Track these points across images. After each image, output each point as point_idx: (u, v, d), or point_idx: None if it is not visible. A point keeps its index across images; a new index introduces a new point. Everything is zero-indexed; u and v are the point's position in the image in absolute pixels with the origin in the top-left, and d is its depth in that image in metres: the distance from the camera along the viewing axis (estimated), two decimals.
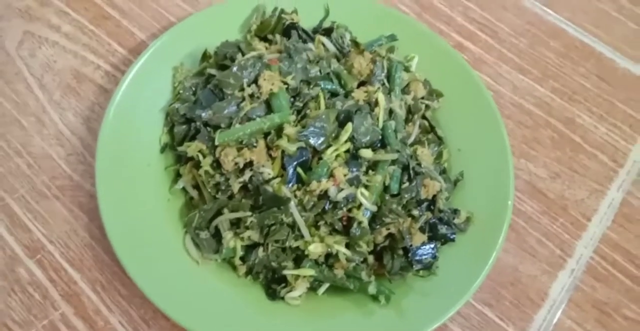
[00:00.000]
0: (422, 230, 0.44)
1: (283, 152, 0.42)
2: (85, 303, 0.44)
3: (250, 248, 0.43)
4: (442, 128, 0.51)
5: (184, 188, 0.46)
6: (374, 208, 0.43)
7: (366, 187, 0.43)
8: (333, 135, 0.43)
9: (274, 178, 0.42)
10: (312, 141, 0.42)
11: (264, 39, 0.50)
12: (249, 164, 0.42)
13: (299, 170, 0.42)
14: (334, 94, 0.46)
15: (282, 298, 0.42)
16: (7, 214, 0.47)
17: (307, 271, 0.42)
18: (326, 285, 0.43)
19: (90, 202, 0.47)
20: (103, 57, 0.54)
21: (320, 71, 0.46)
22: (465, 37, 0.60)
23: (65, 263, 0.46)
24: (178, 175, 0.46)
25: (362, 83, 0.48)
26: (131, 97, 0.46)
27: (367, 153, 0.43)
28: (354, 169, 0.43)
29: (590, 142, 0.56)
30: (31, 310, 0.44)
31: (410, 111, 0.49)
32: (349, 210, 0.42)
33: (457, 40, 0.59)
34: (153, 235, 0.43)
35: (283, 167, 0.42)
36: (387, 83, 0.48)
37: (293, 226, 0.42)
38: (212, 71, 0.46)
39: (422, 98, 0.50)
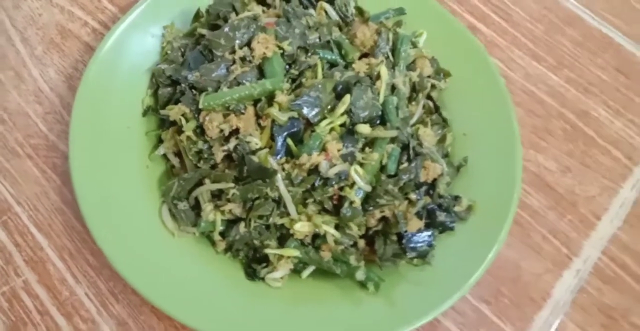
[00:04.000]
0: (419, 215, 0.42)
1: (273, 121, 0.41)
2: (51, 271, 0.43)
3: (232, 223, 0.41)
4: (448, 110, 0.49)
5: (164, 155, 0.44)
6: (368, 188, 0.41)
7: (361, 164, 0.41)
8: (329, 106, 0.42)
9: (261, 148, 0.41)
10: (305, 111, 0.41)
11: (262, 2, 0.48)
12: (235, 132, 0.41)
13: (289, 141, 0.41)
14: (333, 65, 0.45)
15: (262, 279, 0.41)
16: None
17: (292, 251, 0.40)
18: (311, 268, 0.41)
19: (65, 163, 0.45)
20: (91, 14, 0.53)
21: (319, 38, 0.45)
22: (478, 19, 0.59)
23: (33, 227, 0.44)
24: (160, 142, 0.44)
25: (364, 55, 0.47)
26: (115, 55, 0.45)
27: (364, 128, 0.42)
28: (349, 145, 0.41)
29: (604, 137, 0.54)
30: None
31: (414, 89, 0.48)
32: (341, 188, 0.41)
33: (469, 21, 0.58)
34: (127, 203, 0.41)
35: (272, 138, 0.41)
36: (391, 57, 0.47)
37: (279, 202, 0.40)
38: (203, 31, 0.45)
39: (429, 76, 0.49)
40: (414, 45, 0.49)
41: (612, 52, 0.59)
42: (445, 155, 0.47)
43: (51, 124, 0.48)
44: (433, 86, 0.49)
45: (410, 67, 0.48)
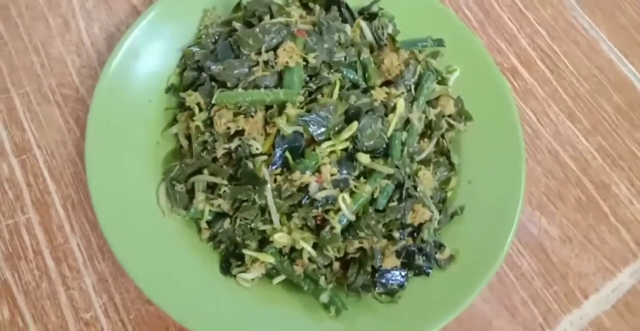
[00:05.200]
0: (398, 254, 0.43)
1: (278, 131, 0.42)
2: (52, 216, 0.47)
3: (219, 216, 0.43)
4: (461, 153, 0.49)
5: (176, 135, 0.46)
6: (352, 218, 0.42)
7: (352, 193, 0.42)
8: (336, 128, 0.43)
9: (261, 154, 0.42)
10: (311, 129, 0.41)
11: (305, 5, 0.49)
12: (240, 133, 0.42)
13: (288, 154, 0.42)
14: (353, 86, 0.45)
15: (234, 276, 0.43)
16: (8, 107, 0.50)
17: (267, 257, 0.42)
18: (282, 277, 0.43)
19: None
20: None
21: (346, 58, 0.45)
22: (523, 63, 0.57)
23: (46, 172, 0.48)
24: (175, 121, 0.46)
25: (387, 83, 0.46)
26: (153, 29, 0.47)
27: (364, 158, 0.42)
28: (345, 171, 0.42)
29: (618, 216, 0.53)
30: (0, 206, 0.46)
31: (430, 126, 0.47)
32: (326, 211, 0.42)
33: (513, 63, 0.57)
34: (130, 172, 0.44)
35: (273, 147, 0.42)
36: (413, 91, 0.46)
37: (264, 209, 0.42)
38: (237, 25, 0.46)
39: (450, 116, 0.48)
40: (443, 82, 0.49)
41: None
42: (443, 200, 0.47)
43: (84, 78, 0.51)
44: (451, 126, 0.48)
45: (432, 103, 0.48)
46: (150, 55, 0.47)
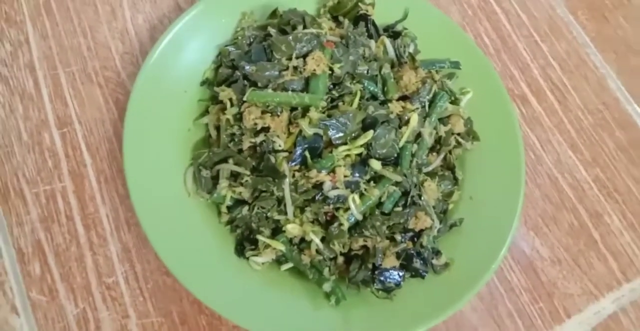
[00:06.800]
0: (397, 255, 0.48)
1: (300, 131, 0.47)
2: (86, 187, 0.52)
3: (239, 202, 0.48)
4: (465, 171, 0.54)
5: (206, 125, 0.51)
6: (360, 217, 0.47)
7: (361, 195, 0.47)
8: (353, 135, 0.48)
9: (282, 151, 0.47)
10: (330, 132, 0.47)
11: (335, 18, 0.55)
12: (266, 129, 0.47)
13: (307, 153, 0.47)
14: (372, 97, 0.51)
15: (247, 259, 0.47)
16: (54, 83, 0.55)
17: (278, 244, 0.47)
18: (290, 265, 0.48)
19: (126, 101, 0.52)
20: None
21: (368, 71, 0.50)
22: (533, 92, 0.62)
23: (84, 146, 0.53)
24: (206, 112, 0.52)
25: (403, 98, 0.52)
26: (194, 26, 0.52)
27: (376, 164, 0.47)
28: (357, 174, 0.47)
29: (607, 245, 0.57)
30: (40, 173, 0.52)
31: (439, 142, 0.52)
32: (336, 209, 0.46)
33: (523, 90, 0.62)
34: (162, 154, 0.49)
35: (294, 145, 0.47)
36: (427, 107, 0.52)
37: (280, 201, 0.47)
38: (272, 31, 0.52)
39: (459, 134, 0.54)
40: (455, 101, 0.54)
41: None
42: (444, 211, 0.52)
43: (126, 64, 0.56)
44: (459, 143, 0.53)
45: (444, 120, 0.53)
46: (190, 50, 0.52)
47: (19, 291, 0.48)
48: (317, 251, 0.47)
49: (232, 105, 0.49)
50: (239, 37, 0.53)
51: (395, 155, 0.48)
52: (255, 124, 0.47)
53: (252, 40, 0.53)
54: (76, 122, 0.54)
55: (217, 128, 0.51)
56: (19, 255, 0.49)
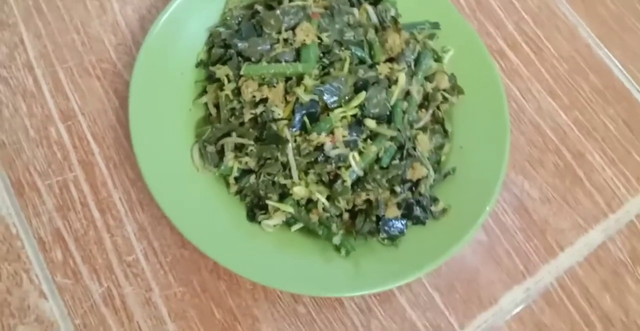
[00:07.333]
0: (398, 206, 0.52)
1: (297, 99, 0.51)
2: (96, 174, 0.55)
3: (245, 172, 0.52)
4: (452, 123, 0.58)
5: (205, 104, 0.55)
6: (361, 173, 0.51)
7: (360, 152, 0.51)
8: (346, 97, 0.51)
9: (281, 119, 0.51)
10: (325, 97, 0.50)
11: None
12: (264, 100, 0.51)
13: (306, 119, 0.50)
14: (361, 61, 0.54)
15: (259, 223, 0.51)
16: (54, 80, 0.58)
17: (287, 207, 0.50)
18: (299, 225, 0.52)
19: (125, 90, 0.56)
20: None
21: (354, 37, 0.54)
22: (510, 46, 0.66)
23: (89, 136, 0.56)
24: (204, 92, 0.55)
25: (390, 60, 0.55)
26: (184, 11, 0.55)
27: (370, 123, 0.51)
28: (354, 134, 0.51)
29: (592, 181, 0.62)
30: (51, 165, 0.55)
31: (427, 98, 0.56)
32: (338, 168, 0.50)
33: (500, 45, 0.66)
34: (168, 135, 0.52)
35: (292, 112, 0.51)
36: (413, 67, 0.55)
37: (285, 165, 0.50)
38: (259, 8, 0.55)
39: (444, 90, 0.57)
40: (439, 59, 0.58)
41: (626, 105, 0.66)
42: (438, 162, 0.56)
43: (120, 54, 0.59)
44: (445, 99, 0.57)
45: (429, 78, 0.57)
46: (181, 35, 0.55)
47: (44, 277, 0.51)
48: (324, 209, 0.51)
49: (229, 81, 0.52)
50: (228, 18, 0.56)
51: (388, 113, 0.52)
52: (254, 97, 0.51)
53: (240, 19, 0.56)
54: (79, 114, 0.56)
55: (216, 105, 0.54)
56: (40, 244, 0.52)
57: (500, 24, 0.67)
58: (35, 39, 0.59)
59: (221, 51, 0.54)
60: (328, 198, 0.51)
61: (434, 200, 0.54)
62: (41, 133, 0.55)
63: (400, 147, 0.52)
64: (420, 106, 0.56)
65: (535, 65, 0.66)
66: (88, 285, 0.51)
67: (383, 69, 0.53)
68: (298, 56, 0.52)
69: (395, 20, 0.56)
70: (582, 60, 0.67)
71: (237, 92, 0.52)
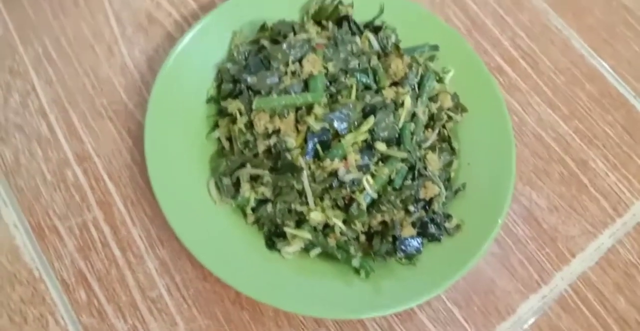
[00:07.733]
0: (413, 225, 0.54)
1: (308, 128, 0.53)
2: (115, 213, 0.56)
3: (262, 202, 0.54)
4: (459, 141, 0.60)
5: (218, 138, 0.57)
6: (375, 196, 0.53)
7: (373, 175, 0.53)
8: (356, 123, 0.53)
9: (295, 148, 0.52)
10: (335, 124, 0.52)
11: (319, 23, 0.60)
12: (277, 131, 0.53)
13: (318, 146, 0.52)
14: (367, 87, 0.56)
15: (279, 250, 0.53)
16: (67, 124, 0.59)
17: (305, 233, 0.52)
18: (318, 250, 0.53)
19: (138, 130, 0.58)
20: (175, 7, 0.66)
21: (359, 64, 0.56)
22: (507, 61, 0.69)
23: (106, 176, 0.57)
24: (216, 126, 0.57)
25: (394, 84, 0.58)
26: (191, 49, 0.57)
27: (381, 146, 0.53)
28: (366, 158, 0.53)
29: (597, 187, 0.64)
30: (69, 207, 0.56)
31: (432, 118, 0.59)
32: (353, 192, 0.52)
33: (498, 62, 0.69)
34: (184, 171, 0.54)
35: (305, 141, 0.53)
36: (417, 89, 0.58)
37: (301, 193, 0.52)
38: (265, 43, 0.57)
39: (448, 109, 0.60)
40: (441, 80, 0.60)
41: (624, 111, 0.68)
42: (448, 179, 0.58)
43: (131, 95, 0.61)
44: (450, 118, 0.60)
45: (433, 98, 0.59)
46: (190, 73, 0.57)
47: (69, 318, 0.52)
48: (341, 233, 0.53)
49: (241, 115, 0.54)
50: (235, 54, 0.58)
51: (397, 135, 0.54)
52: (266, 128, 0.53)
53: (247, 54, 0.58)
54: (94, 156, 0.58)
55: (229, 139, 0.56)
56: (64, 285, 0.53)
57: (496, 41, 0.70)
58: (47, 85, 0.60)
59: (230, 86, 0.57)
60: (344, 222, 0.53)
61: (448, 216, 0.55)
62: (58, 176, 0.57)
63: (411, 168, 0.54)
64: (427, 126, 0.58)
65: (532, 78, 0.69)
66: (114, 324, 0.52)
67: (389, 93, 0.55)
68: (306, 86, 0.54)
69: (396, 46, 0.59)
70: (577, 70, 0.70)
71: (250, 124, 0.54)
